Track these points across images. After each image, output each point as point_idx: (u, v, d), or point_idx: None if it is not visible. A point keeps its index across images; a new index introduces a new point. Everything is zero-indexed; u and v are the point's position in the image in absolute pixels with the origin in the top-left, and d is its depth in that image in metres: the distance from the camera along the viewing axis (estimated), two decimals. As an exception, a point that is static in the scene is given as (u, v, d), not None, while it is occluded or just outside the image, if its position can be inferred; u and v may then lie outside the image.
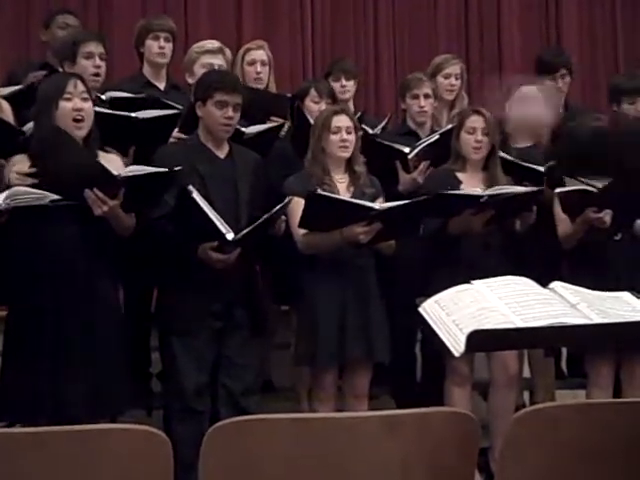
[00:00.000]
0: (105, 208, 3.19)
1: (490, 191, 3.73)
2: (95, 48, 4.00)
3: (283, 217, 3.53)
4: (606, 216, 3.71)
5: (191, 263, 3.45)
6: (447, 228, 3.82)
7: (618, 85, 4.68)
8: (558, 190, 3.76)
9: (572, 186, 3.75)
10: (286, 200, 3.52)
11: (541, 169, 4.10)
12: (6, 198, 3.11)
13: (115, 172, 3.18)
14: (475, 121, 3.94)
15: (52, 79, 3.52)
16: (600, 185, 3.70)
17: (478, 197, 3.71)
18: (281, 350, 4.38)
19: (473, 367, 3.87)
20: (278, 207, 3.43)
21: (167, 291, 3.63)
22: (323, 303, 3.67)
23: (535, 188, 3.88)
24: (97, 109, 3.47)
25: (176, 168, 3.28)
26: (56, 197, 3.15)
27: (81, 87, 3.34)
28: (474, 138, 3.92)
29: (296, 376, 4.19)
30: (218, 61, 4.25)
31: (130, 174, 3.22)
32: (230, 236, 3.32)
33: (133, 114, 3.72)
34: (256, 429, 1.80)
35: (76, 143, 3.26)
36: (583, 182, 3.77)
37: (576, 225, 3.79)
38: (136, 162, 3.56)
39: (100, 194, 3.18)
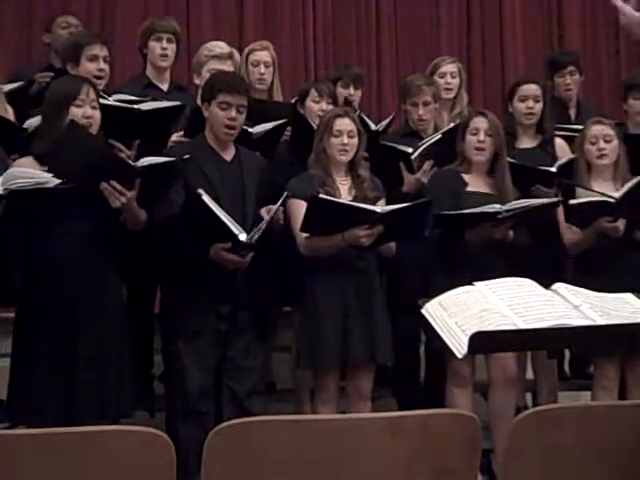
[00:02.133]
0: (123, 199, 3.19)
1: (508, 206, 3.73)
2: (100, 51, 3.96)
3: (281, 208, 3.53)
4: (620, 225, 3.75)
5: (196, 265, 3.45)
6: (463, 236, 3.82)
7: (626, 81, 4.73)
8: (572, 202, 3.77)
9: (585, 198, 3.77)
10: (285, 194, 3.53)
11: (553, 170, 4.10)
12: (2, 184, 3.05)
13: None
14: (478, 122, 3.95)
15: (64, 82, 3.50)
16: (617, 195, 3.72)
17: (495, 214, 3.72)
18: (283, 352, 4.38)
19: (474, 368, 3.87)
20: (279, 203, 3.45)
21: (172, 293, 3.63)
22: (325, 305, 3.67)
23: (554, 199, 3.91)
24: (100, 101, 3.43)
25: (185, 156, 3.28)
26: (58, 181, 3.09)
27: (92, 95, 3.34)
28: (477, 139, 3.93)
29: (298, 378, 4.19)
30: (225, 67, 4.23)
31: (146, 164, 3.22)
32: (243, 237, 3.33)
33: (135, 105, 3.71)
34: (259, 430, 1.80)
35: (92, 136, 3.26)
36: (597, 192, 3.78)
37: (586, 234, 3.82)
38: (140, 156, 3.57)
39: (118, 186, 3.18)
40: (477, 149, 3.94)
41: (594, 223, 3.81)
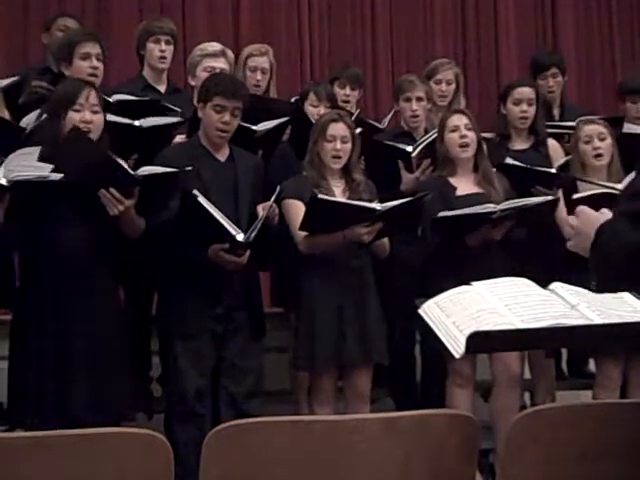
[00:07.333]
0: (121, 207, 3.18)
1: (502, 206, 3.72)
2: (92, 49, 3.91)
3: (274, 204, 3.53)
4: None
5: (192, 266, 3.45)
6: (464, 241, 3.79)
7: (625, 83, 4.72)
8: (576, 196, 3.70)
9: (588, 191, 3.70)
10: (277, 190, 3.52)
11: (554, 171, 4.09)
12: (4, 175, 3.05)
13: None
14: (457, 119, 3.93)
15: (66, 85, 3.49)
16: (621, 187, 3.69)
17: (490, 213, 3.71)
18: (280, 353, 4.38)
19: (475, 368, 3.87)
20: (272, 199, 3.46)
21: (168, 294, 3.63)
22: (321, 306, 3.67)
23: (550, 197, 3.88)
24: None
25: (187, 168, 3.28)
26: (61, 175, 3.10)
27: (93, 99, 3.32)
28: (459, 134, 3.91)
29: (295, 379, 4.18)
30: (220, 64, 4.23)
31: (147, 173, 3.22)
32: (240, 237, 3.33)
33: (136, 122, 3.68)
34: (256, 432, 1.80)
35: (94, 142, 3.24)
36: (601, 185, 3.75)
37: None
38: (137, 168, 3.55)
39: (116, 194, 3.17)
40: (461, 145, 3.92)
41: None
